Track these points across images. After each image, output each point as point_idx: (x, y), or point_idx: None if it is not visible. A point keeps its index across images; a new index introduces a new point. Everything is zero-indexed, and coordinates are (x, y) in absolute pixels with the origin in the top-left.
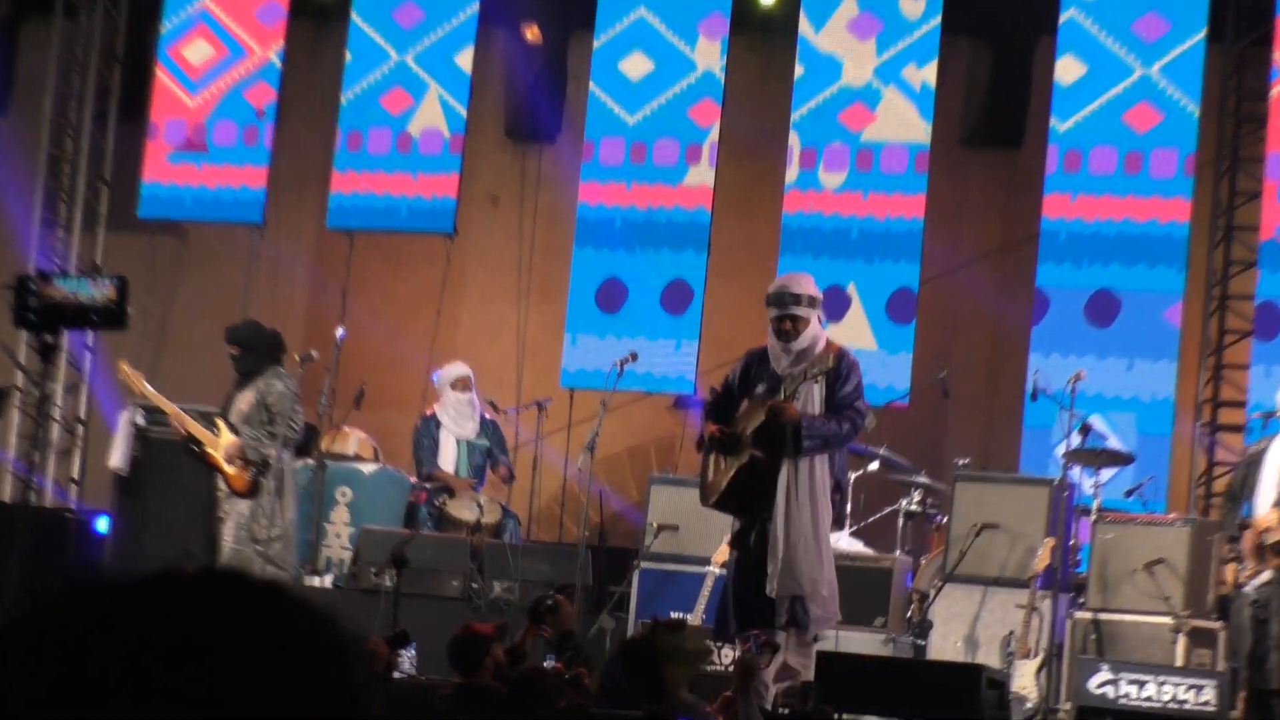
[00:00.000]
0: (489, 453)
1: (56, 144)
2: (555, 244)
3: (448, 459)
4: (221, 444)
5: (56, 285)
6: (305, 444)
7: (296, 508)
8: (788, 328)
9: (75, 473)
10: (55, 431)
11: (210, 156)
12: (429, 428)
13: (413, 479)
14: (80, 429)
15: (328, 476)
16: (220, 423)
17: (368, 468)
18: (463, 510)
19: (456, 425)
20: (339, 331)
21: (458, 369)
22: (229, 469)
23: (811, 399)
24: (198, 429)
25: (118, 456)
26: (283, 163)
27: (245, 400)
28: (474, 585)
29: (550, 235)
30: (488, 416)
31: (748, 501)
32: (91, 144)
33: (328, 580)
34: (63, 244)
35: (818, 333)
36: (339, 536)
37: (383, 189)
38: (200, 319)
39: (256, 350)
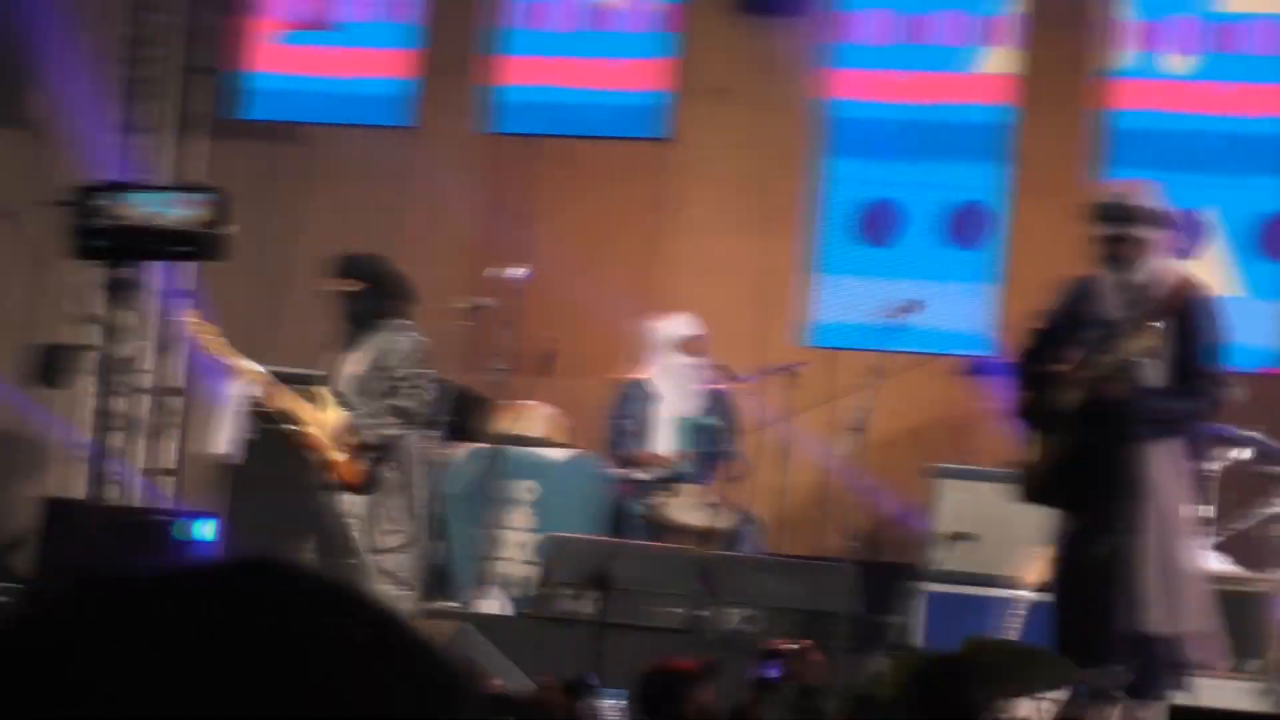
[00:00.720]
0: (716, 436)
1: (135, 20)
2: (804, 153)
3: (662, 440)
4: (325, 421)
5: (131, 202)
6: (473, 423)
7: (427, 505)
8: (1123, 252)
9: (170, 461)
10: (143, 406)
11: (341, 37)
12: (635, 397)
13: (616, 463)
14: (176, 403)
15: (505, 467)
16: (324, 393)
17: (559, 455)
18: (687, 512)
19: (680, 397)
20: (518, 271)
21: (687, 323)
22: (336, 455)
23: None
24: (294, 402)
25: (226, 440)
26: (439, 45)
27: (357, 362)
28: (701, 612)
29: (795, 141)
30: (717, 387)
31: (1079, 495)
32: (185, 21)
33: (505, 605)
34: (146, 155)
35: (1165, 263)
36: (521, 547)
37: (571, 79)
38: (330, 249)
39: (380, 292)
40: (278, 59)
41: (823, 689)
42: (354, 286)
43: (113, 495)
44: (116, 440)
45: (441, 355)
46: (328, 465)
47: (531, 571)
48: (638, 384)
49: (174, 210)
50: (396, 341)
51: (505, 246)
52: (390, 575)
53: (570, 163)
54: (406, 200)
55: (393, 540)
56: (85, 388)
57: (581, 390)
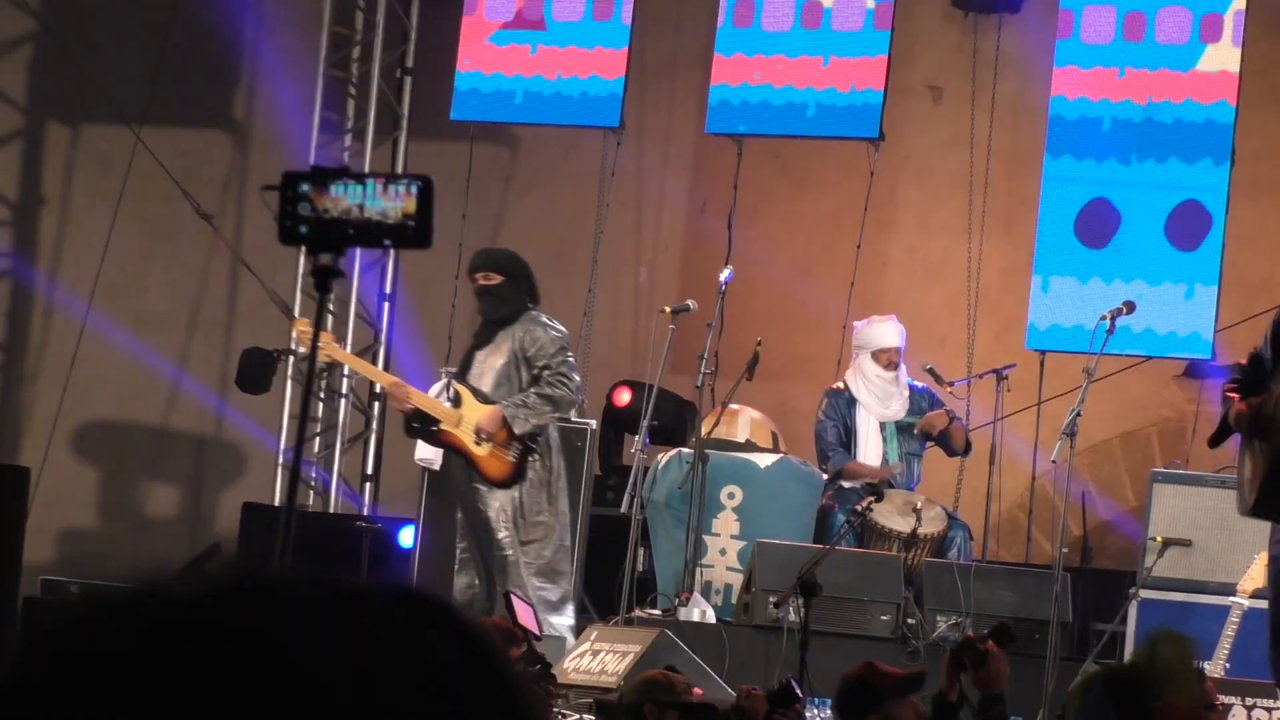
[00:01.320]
0: (932, 412)
1: (342, 19)
2: (1020, 152)
3: (867, 448)
4: (466, 417)
5: (333, 192)
6: (677, 428)
7: (567, 498)
8: None
9: (369, 466)
10: (342, 410)
11: (549, 36)
12: (838, 405)
13: (825, 474)
14: (376, 407)
15: (709, 472)
16: (462, 389)
17: (765, 460)
18: (893, 517)
19: (879, 404)
20: (724, 273)
21: (885, 333)
22: (478, 450)
23: None
24: (428, 401)
25: (426, 446)
26: (648, 44)
27: (494, 356)
28: (909, 620)
29: (1013, 140)
30: (918, 384)
31: None
32: (388, 19)
33: (708, 613)
34: (349, 154)
35: None
36: (724, 554)
37: (781, 79)
38: (532, 258)
39: (519, 286)
40: (483, 59)
41: (1004, 699)
42: (494, 280)
43: (311, 501)
44: (316, 446)
45: (646, 359)
46: (472, 462)
47: (736, 578)
48: (839, 392)
49: (376, 202)
50: (535, 332)
51: (712, 247)
52: (537, 568)
53: (780, 163)
54: (610, 201)
55: (537, 532)
56: (282, 391)
57: (788, 394)
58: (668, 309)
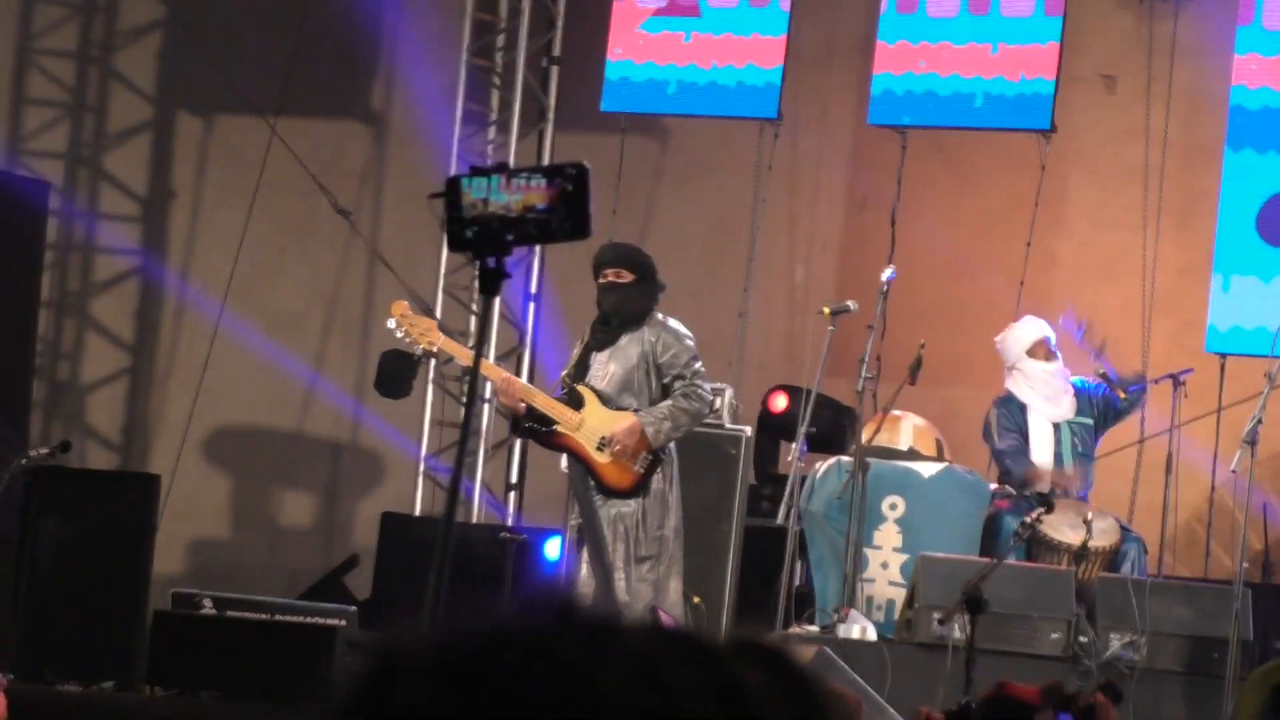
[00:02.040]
0: (1096, 429)
1: (486, 5)
2: (1198, 144)
3: (1041, 451)
4: (588, 422)
5: (492, 190)
6: (836, 435)
7: (680, 514)
8: None
9: (513, 474)
10: (486, 415)
11: (703, 23)
12: (1008, 412)
13: (993, 484)
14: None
15: (870, 481)
16: (586, 392)
17: (928, 468)
18: (1063, 529)
19: (1048, 404)
20: (886, 271)
21: (1030, 328)
22: (599, 457)
23: None
24: (546, 400)
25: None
26: (804, 31)
27: (618, 359)
28: (1081, 638)
29: (1190, 132)
30: (1091, 380)
31: None
32: (534, 5)
33: (869, 630)
34: (493, 147)
35: None
36: (886, 567)
37: (948, 67)
38: (684, 255)
39: (648, 286)
40: (635, 47)
41: None
42: (625, 278)
43: (454, 511)
44: (459, 454)
45: (803, 362)
46: (590, 469)
47: (898, 593)
48: (1007, 398)
49: (499, 196)
50: (668, 339)
51: (872, 244)
52: (650, 583)
53: (945, 155)
54: (765, 196)
55: (653, 548)
56: (424, 396)
57: (952, 399)
58: (827, 309)
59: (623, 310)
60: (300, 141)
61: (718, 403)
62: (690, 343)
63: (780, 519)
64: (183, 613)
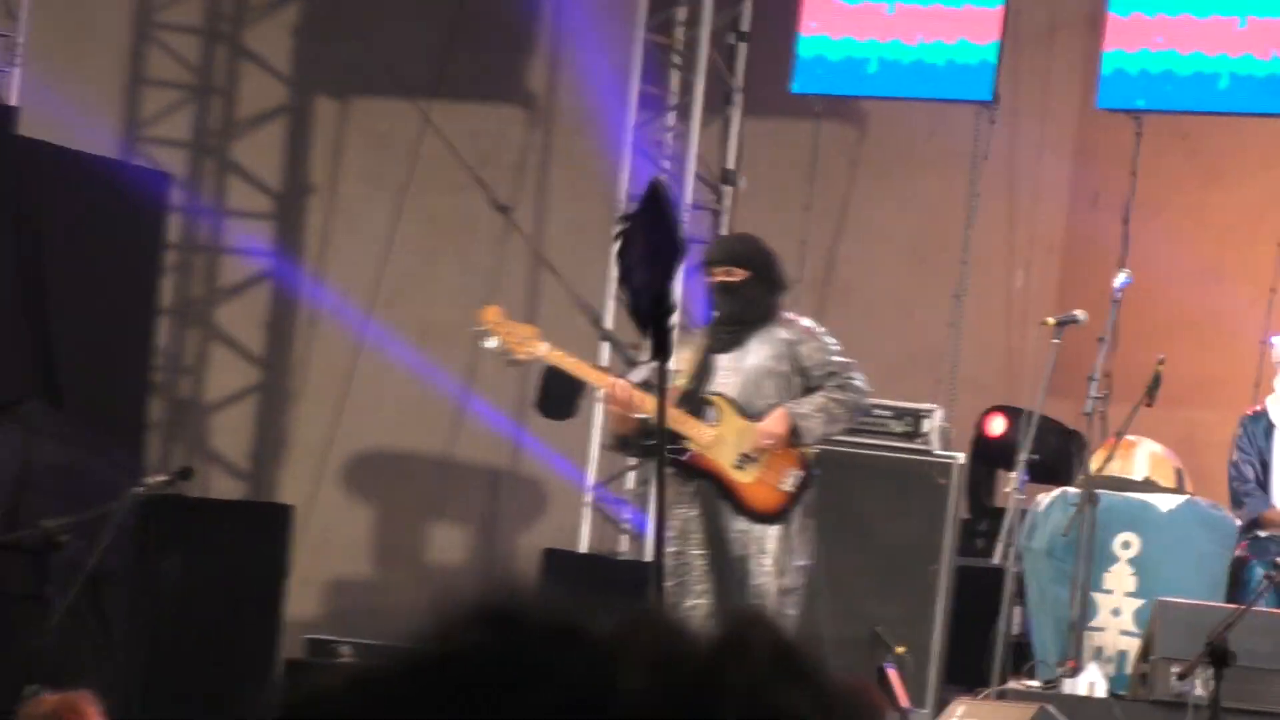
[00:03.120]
0: None
1: None
2: None
3: None
4: (724, 436)
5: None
6: (1060, 464)
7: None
8: None
9: None
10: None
11: None
12: (1254, 435)
13: (1238, 519)
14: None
15: (1100, 516)
16: (721, 402)
17: (1167, 502)
18: None
19: None
20: (1119, 277)
21: None
22: (740, 477)
23: None
24: (679, 415)
25: None
26: (1023, 2)
27: (750, 358)
28: None
29: None
30: None
31: None
32: None
33: (1098, 685)
34: (673, 135)
35: None
36: (1117, 614)
37: (1189, 44)
38: (886, 258)
39: (770, 283)
40: (831, 21)
41: None
42: (737, 276)
43: (624, 547)
44: (628, 480)
45: (1023, 379)
46: (730, 491)
47: (1131, 643)
48: (1257, 415)
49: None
50: (807, 340)
51: (1102, 246)
52: (791, 620)
53: (1187, 145)
54: (979, 190)
55: (795, 580)
56: (592, 417)
57: (1196, 423)
58: (1051, 320)
59: (742, 314)
60: (455, 129)
61: (923, 425)
62: (831, 340)
63: (997, 559)
64: (319, 661)
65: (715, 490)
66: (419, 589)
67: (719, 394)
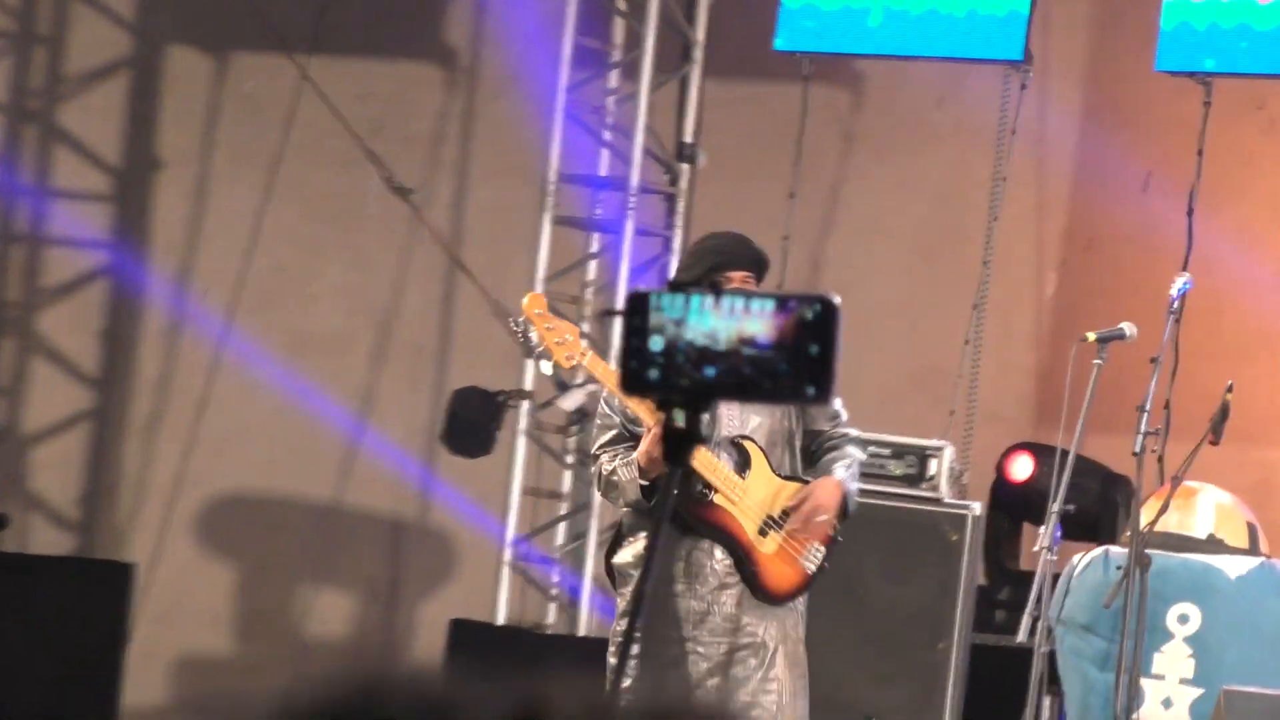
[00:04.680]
0: None
1: None
2: None
3: None
4: (753, 492)
5: (694, 316)
6: (1104, 516)
7: None
8: None
9: None
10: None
11: None
12: None
13: None
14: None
15: (1152, 582)
16: (754, 450)
17: (1236, 565)
18: None
19: None
20: (1179, 281)
21: None
22: (763, 547)
23: None
24: (711, 462)
25: None
26: None
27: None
28: None
29: None
30: None
31: None
32: None
33: None
34: (616, 99)
35: None
36: (1170, 705)
37: None
38: (888, 256)
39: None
40: None
41: None
42: (755, 286)
43: (551, 618)
44: (557, 534)
45: (1057, 410)
46: (746, 559)
47: None
48: None
49: (744, 320)
50: None
51: (1159, 243)
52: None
53: (1267, 116)
54: (1005, 173)
55: (802, 662)
56: (513, 454)
57: (1275, 466)
58: (1092, 335)
59: None
60: (343, 90)
61: (931, 467)
62: None
63: (1022, 635)
64: None
65: (715, 554)
66: (293, 670)
67: (749, 438)
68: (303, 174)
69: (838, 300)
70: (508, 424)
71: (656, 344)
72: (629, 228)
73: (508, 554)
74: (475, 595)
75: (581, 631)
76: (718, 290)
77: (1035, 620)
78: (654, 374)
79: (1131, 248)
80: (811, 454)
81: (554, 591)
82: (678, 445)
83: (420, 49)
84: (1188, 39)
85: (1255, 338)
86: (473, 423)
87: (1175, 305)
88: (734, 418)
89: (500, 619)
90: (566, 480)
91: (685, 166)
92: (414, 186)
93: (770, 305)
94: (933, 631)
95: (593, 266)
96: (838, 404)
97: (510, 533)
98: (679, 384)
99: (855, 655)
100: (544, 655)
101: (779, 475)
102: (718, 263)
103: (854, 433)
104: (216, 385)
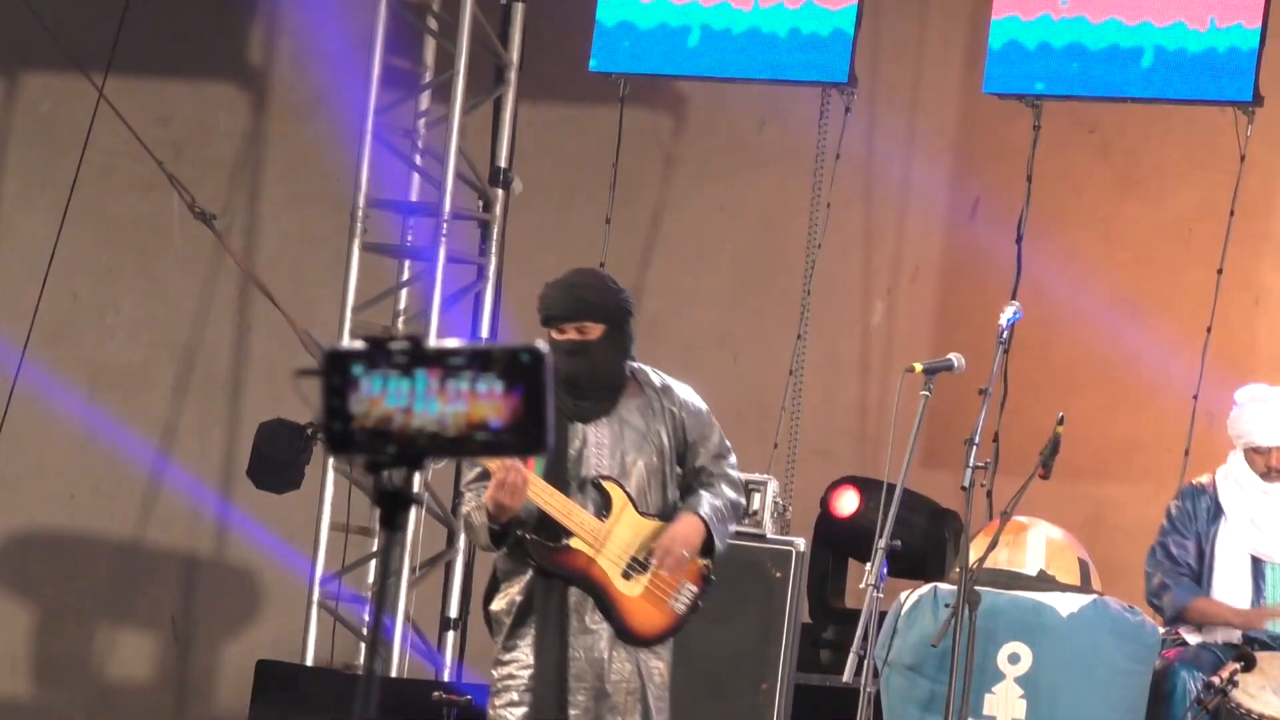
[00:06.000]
0: None
1: None
2: None
3: (1229, 586)
4: (617, 535)
5: (391, 382)
6: (931, 552)
7: None
8: None
9: (452, 606)
10: (412, 519)
11: None
12: (1194, 510)
13: (1161, 626)
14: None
15: (981, 621)
16: (616, 492)
17: (1068, 603)
18: (1267, 697)
19: (1252, 531)
20: (1008, 311)
21: (1255, 421)
22: (628, 590)
23: None
24: (569, 506)
25: None
26: None
27: (629, 436)
28: None
29: None
30: None
31: None
32: None
33: None
34: (427, 122)
35: None
36: None
37: (1102, 10)
38: (709, 285)
39: (626, 333)
40: None
41: None
42: (590, 333)
43: (360, 657)
44: (368, 572)
45: (883, 443)
46: (610, 605)
47: None
48: (1199, 492)
49: (473, 404)
50: (681, 400)
51: (987, 270)
52: None
53: (1099, 141)
54: (833, 200)
55: (666, 712)
56: (321, 488)
57: (1107, 501)
58: (918, 366)
59: (596, 378)
60: (142, 112)
61: (755, 502)
62: (704, 405)
63: (848, 675)
64: None
65: (585, 604)
66: (92, 715)
67: (611, 478)
68: (100, 199)
69: (546, 349)
70: (316, 458)
71: (359, 407)
72: (441, 255)
73: (316, 592)
74: (283, 635)
75: (394, 673)
76: (442, 365)
77: (861, 659)
78: (360, 437)
79: (959, 276)
80: (688, 490)
81: (365, 631)
82: (391, 508)
83: (223, 69)
84: (1017, 59)
85: (1086, 369)
86: (278, 458)
87: (1004, 335)
88: (604, 456)
89: (309, 659)
90: (375, 514)
91: (500, 192)
92: (216, 212)
93: (499, 386)
94: (756, 672)
95: (404, 295)
96: (726, 443)
97: (319, 570)
98: (387, 449)
99: (676, 697)
100: (354, 697)
101: (644, 515)
102: (545, 318)
103: (735, 474)
104: (11, 419)
